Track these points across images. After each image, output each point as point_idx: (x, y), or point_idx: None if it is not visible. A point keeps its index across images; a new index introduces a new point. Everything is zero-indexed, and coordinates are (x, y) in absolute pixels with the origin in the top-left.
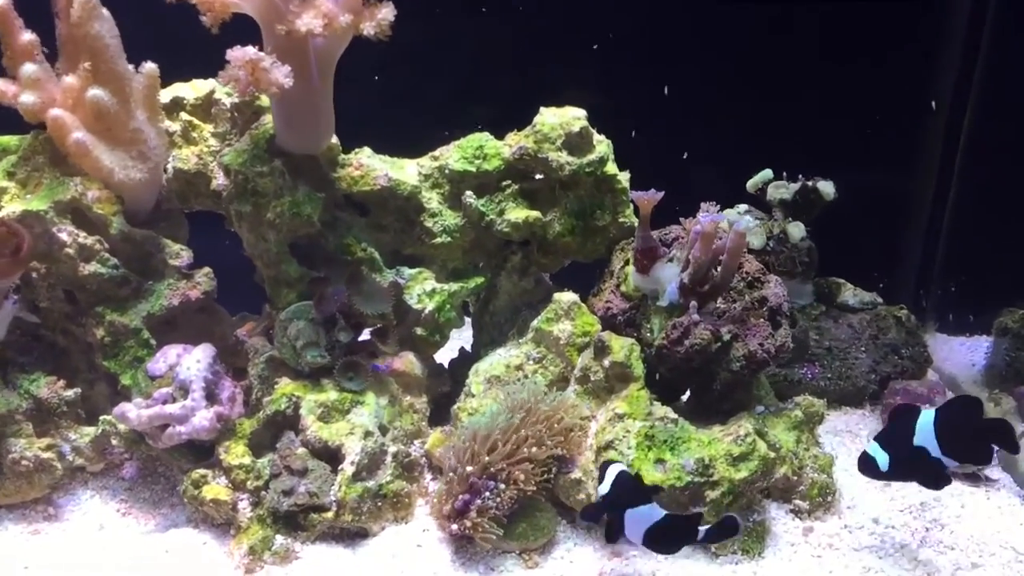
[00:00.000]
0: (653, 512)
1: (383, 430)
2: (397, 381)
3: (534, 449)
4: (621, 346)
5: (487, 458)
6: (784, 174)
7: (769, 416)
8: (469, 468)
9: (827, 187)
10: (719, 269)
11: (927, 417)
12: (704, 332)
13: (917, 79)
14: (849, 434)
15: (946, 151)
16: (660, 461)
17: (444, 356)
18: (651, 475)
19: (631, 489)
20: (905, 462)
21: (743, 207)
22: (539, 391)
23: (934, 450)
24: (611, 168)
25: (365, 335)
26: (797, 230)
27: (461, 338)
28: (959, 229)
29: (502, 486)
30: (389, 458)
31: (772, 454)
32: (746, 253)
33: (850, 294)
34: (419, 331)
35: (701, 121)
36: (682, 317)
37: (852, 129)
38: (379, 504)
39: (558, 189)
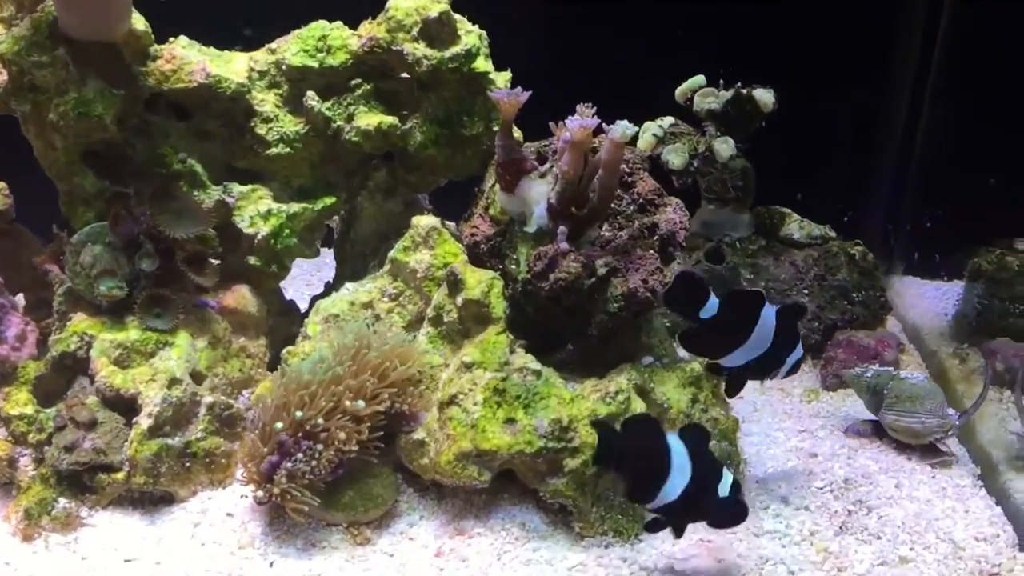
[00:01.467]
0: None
1: (197, 377)
2: (228, 319)
3: (360, 403)
4: (478, 281)
5: (299, 413)
6: (721, 82)
7: (658, 369)
8: (277, 424)
9: (765, 96)
10: (597, 188)
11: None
12: (573, 264)
13: None
14: (780, 392)
15: (921, 66)
16: (510, 421)
17: (309, 292)
18: (498, 439)
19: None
20: None
21: (668, 120)
22: (367, 334)
23: None
24: (482, 64)
25: None
26: (726, 147)
27: (329, 272)
28: (934, 155)
29: (319, 447)
30: (203, 410)
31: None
32: (641, 172)
33: (795, 226)
34: (252, 260)
35: (651, 31)
36: (549, 246)
37: (816, 43)
38: (187, 464)
39: (417, 89)
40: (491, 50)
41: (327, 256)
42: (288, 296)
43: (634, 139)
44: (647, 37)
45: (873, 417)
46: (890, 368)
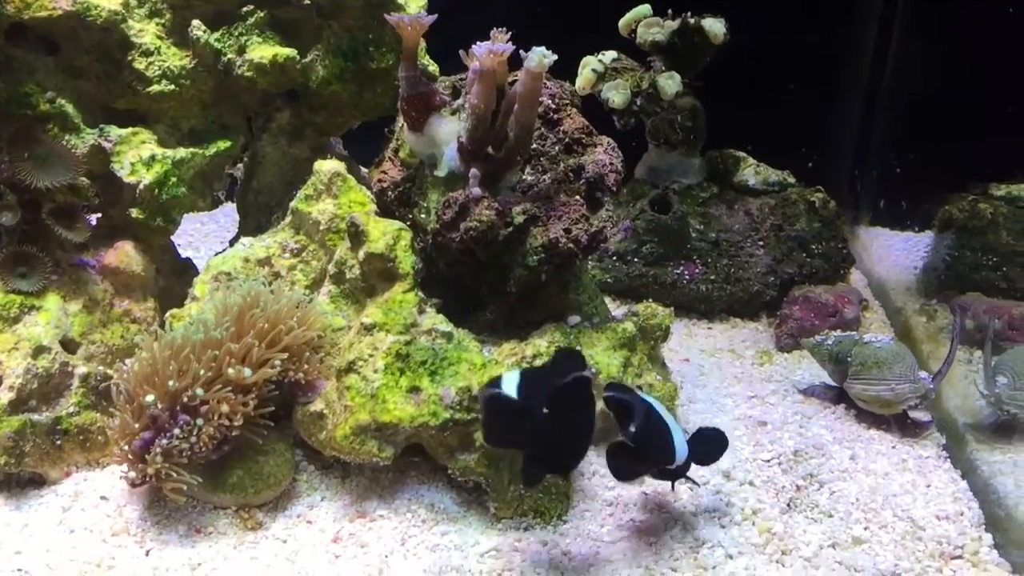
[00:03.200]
0: None
1: (70, 345)
2: (109, 280)
3: (246, 371)
4: (382, 233)
5: (173, 383)
6: (669, 11)
7: (586, 330)
8: (149, 397)
9: (715, 26)
10: (513, 125)
11: None
12: (485, 212)
13: None
14: (731, 354)
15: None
16: (414, 389)
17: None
18: (399, 410)
19: None
20: None
21: (611, 54)
22: (258, 293)
23: None
24: None
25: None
26: (671, 83)
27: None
28: (904, 93)
29: (199, 421)
30: (76, 382)
31: None
32: (569, 108)
33: (751, 172)
34: (135, 213)
35: None
36: (460, 191)
37: None
38: (57, 442)
39: (317, 17)
40: None
41: None
42: (199, 255)
43: (565, 74)
44: None
45: (835, 385)
46: (852, 333)
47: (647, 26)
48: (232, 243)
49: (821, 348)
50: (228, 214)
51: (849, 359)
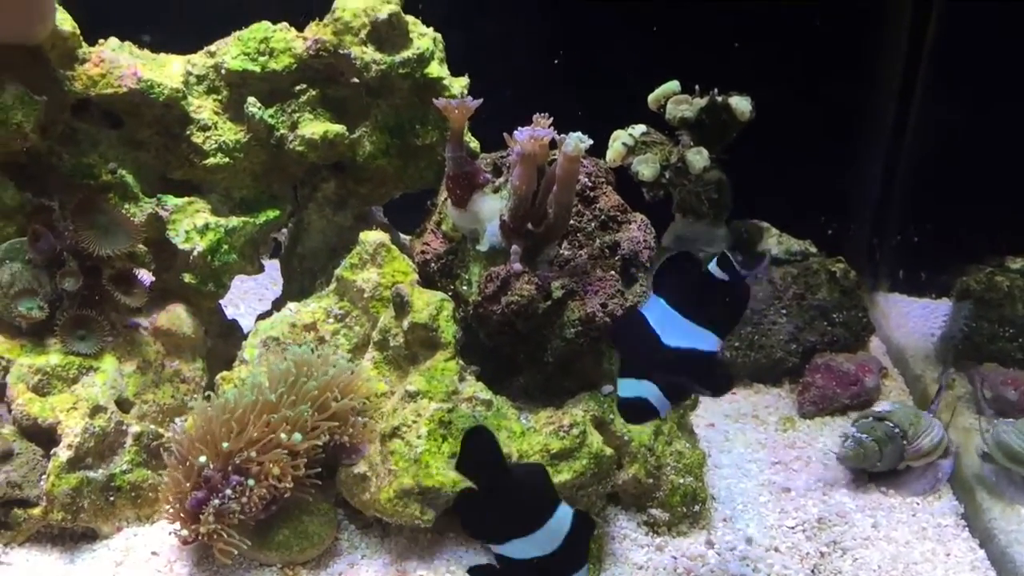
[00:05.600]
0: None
1: (125, 405)
2: (161, 341)
3: (297, 436)
4: (426, 303)
5: (227, 445)
6: (696, 88)
7: None
8: (202, 458)
9: (742, 104)
10: (552, 204)
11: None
12: (526, 287)
13: None
14: (755, 419)
15: (908, 64)
16: (456, 455)
17: (262, 308)
18: (442, 475)
19: None
20: None
21: (640, 128)
22: (307, 360)
23: None
24: (436, 70)
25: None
26: (699, 158)
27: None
28: (923, 165)
29: (250, 482)
30: (129, 441)
31: (608, 450)
32: (605, 186)
33: (774, 241)
34: (187, 278)
35: (616, 30)
36: (501, 266)
37: (797, 46)
38: (111, 499)
39: (366, 96)
40: (461, 54)
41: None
42: (239, 312)
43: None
44: (622, 39)
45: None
46: (861, 420)
47: (676, 103)
48: (275, 304)
49: (865, 446)
50: (265, 272)
51: (896, 431)
